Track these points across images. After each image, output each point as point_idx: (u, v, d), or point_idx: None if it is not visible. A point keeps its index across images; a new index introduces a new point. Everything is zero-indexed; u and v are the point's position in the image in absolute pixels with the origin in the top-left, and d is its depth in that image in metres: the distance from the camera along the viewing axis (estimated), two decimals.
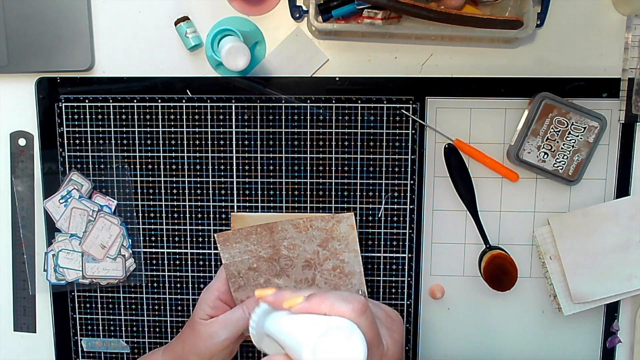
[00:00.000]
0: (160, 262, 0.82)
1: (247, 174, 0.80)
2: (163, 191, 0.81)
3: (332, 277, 0.71)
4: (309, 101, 0.79)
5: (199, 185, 0.81)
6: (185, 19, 0.77)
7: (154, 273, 0.83)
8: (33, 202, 0.83)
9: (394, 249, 0.80)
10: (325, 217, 0.68)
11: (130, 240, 0.82)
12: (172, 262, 0.82)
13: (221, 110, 0.79)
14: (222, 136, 0.80)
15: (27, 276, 0.84)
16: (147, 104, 0.80)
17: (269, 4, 0.77)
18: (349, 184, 0.79)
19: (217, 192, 0.81)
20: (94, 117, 0.80)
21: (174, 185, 0.81)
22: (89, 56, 0.79)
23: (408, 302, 0.82)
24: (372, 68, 0.78)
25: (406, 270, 0.81)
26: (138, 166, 0.81)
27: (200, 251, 0.82)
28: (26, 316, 0.85)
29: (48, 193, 0.81)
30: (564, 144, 0.75)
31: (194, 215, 0.81)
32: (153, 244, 0.82)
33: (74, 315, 0.84)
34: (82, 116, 0.80)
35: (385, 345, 0.54)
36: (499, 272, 0.77)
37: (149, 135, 0.80)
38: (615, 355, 0.81)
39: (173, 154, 0.80)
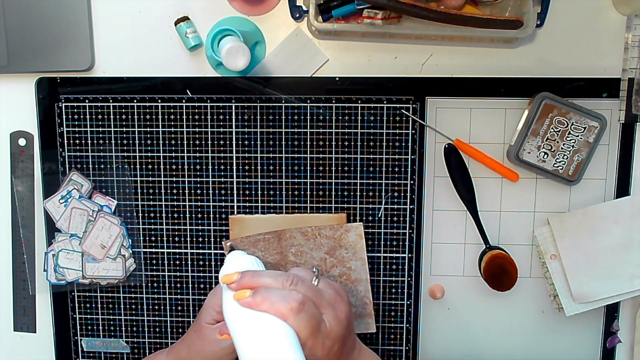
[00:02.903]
0: (160, 262, 0.82)
1: (247, 174, 0.80)
2: (163, 191, 0.81)
3: (338, 283, 0.71)
4: (309, 101, 0.79)
5: (199, 185, 0.81)
6: (185, 19, 0.77)
7: (154, 273, 0.83)
8: (33, 202, 0.83)
9: (394, 249, 0.80)
10: (334, 226, 0.68)
11: (130, 240, 0.82)
12: (172, 262, 0.82)
13: (221, 110, 0.79)
14: (222, 136, 0.80)
15: (27, 276, 0.84)
16: (147, 104, 0.80)
17: (269, 4, 0.77)
18: (349, 184, 0.79)
19: (217, 192, 0.81)
20: (94, 117, 0.80)
21: (174, 185, 0.81)
22: (89, 56, 0.79)
23: (408, 302, 0.82)
24: (372, 68, 0.78)
25: (406, 270, 0.81)
26: (138, 166, 0.81)
27: (200, 251, 0.82)
28: (26, 316, 0.85)
29: (48, 193, 0.81)
30: (564, 144, 0.75)
31: (194, 215, 0.81)
32: (153, 244, 0.82)
33: (74, 315, 0.84)
34: (82, 116, 0.80)
35: (328, 326, 0.58)
36: (499, 272, 0.77)
37: (149, 135, 0.80)
38: (615, 355, 0.81)
39: (173, 154, 0.80)
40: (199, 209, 0.81)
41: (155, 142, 0.80)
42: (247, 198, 0.81)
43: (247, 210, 0.81)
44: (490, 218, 0.80)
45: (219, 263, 0.82)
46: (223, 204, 0.81)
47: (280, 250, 0.70)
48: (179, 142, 0.80)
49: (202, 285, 0.83)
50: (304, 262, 0.70)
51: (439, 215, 0.80)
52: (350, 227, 0.69)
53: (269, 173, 0.80)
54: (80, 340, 0.85)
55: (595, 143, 0.75)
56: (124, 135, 0.80)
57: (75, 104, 0.80)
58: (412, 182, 0.79)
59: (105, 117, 0.80)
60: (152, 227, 0.82)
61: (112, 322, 0.84)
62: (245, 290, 0.57)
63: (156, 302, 0.83)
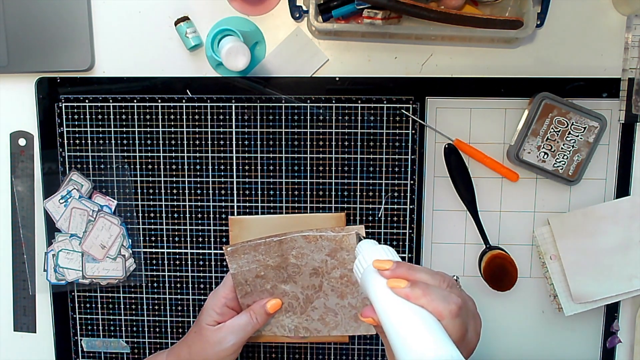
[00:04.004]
0: (160, 262, 0.82)
1: (247, 174, 0.80)
2: (163, 191, 0.81)
3: (339, 285, 0.71)
4: (309, 101, 0.79)
5: (199, 185, 0.81)
6: (185, 19, 0.77)
7: (154, 273, 0.83)
8: (33, 202, 0.83)
9: (394, 249, 0.80)
10: (336, 228, 0.68)
11: (130, 240, 0.82)
12: (172, 262, 0.82)
13: (221, 110, 0.79)
14: (222, 136, 0.80)
15: (27, 276, 0.84)
16: (147, 104, 0.80)
17: (269, 4, 0.77)
18: (349, 184, 0.80)
19: (217, 192, 0.81)
20: (94, 117, 0.80)
21: (174, 185, 0.81)
22: (89, 56, 0.79)
23: None
24: (372, 68, 0.78)
25: None
26: (138, 166, 0.81)
27: (200, 251, 0.82)
28: (26, 316, 0.85)
29: (48, 193, 0.81)
30: (564, 144, 0.75)
31: (194, 215, 0.81)
32: (153, 244, 0.82)
33: (74, 315, 0.84)
34: (82, 116, 0.80)
35: (469, 337, 0.56)
36: (499, 272, 0.77)
37: (149, 135, 0.80)
38: (615, 355, 0.81)
39: (173, 154, 0.80)
40: (199, 209, 0.81)
41: (155, 142, 0.80)
42: (247, 198, 0.81)
43: (247, 210, 0.81)
44: (490, 218, 0.80)
45: (219, 263, 0.82)
46: (223, 204, 0.81)
47: (281, 252, 0.70)
48: (179, 142, 0.80)
49: (202, 285, 0.83)
50: (304, 264, 0.70)
51: (439, 215, 0.80)
52: (351, 229, 0.69)
53: (269, 173, 0.80)
54: (80, 340, 0.85)
55: (595, 143, 0.75)
56: (124, 135, 0.80)
57: (75, 104, 0.80)
58: (412, 182, 0.79)
59: (105, 117, 0.80)
60: (152, 227, 0.82)
61: (112, 322, 0.84)
62: (401, 280, 0.55)
63: (156, 302, 0.83)
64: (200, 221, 0.81)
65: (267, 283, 0.71)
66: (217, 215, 0.81)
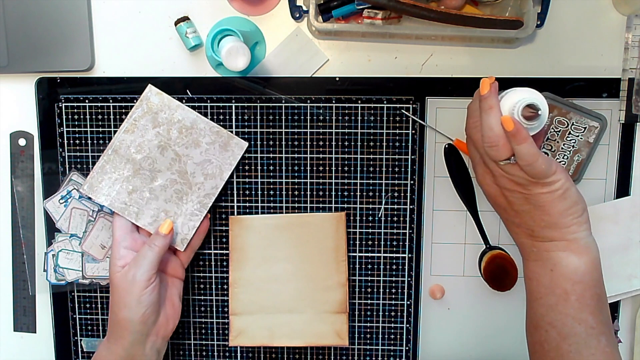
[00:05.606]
0: None
1: (247, 174, 0.80)
2: None
3: (184, 139, 0.72)
4: (309, 101, 0.79)
5: None
6: (185, 19, 0.77)
7: None
8: (33, 202, 0.83)
9: (394, 249, 0.80)
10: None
11: None
12: None
13: (221, 110, 0.79)
14: None
15: (27, 276, 0.84)
16: None
17: (269, 4, 0.77)
18: (349, 184, 0.80)
19: None
20: (94, 117, 0.80)
21: None
22: (89, 56, 0.79)
23: (408, 302, 0.82)
24: (372, 68, 0.78)
25: (406, 270, 0.81)
26: None
27: (200, 251, 0.82)
28: (26, 316, 0.85)
29: (48, 193, 0.81)
30: (564, 144, 0.75)
31: None
32: None
33: (74, 315, 0.84)
34: (82, 116, 0.80)
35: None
36: (499, 272, 0.77)
37: None
38: None
39: None
40: None
41: None
42: (247, 198, 0.81)
43: (247, 210, 0.81)
44: (490, 218, 0.79)
45: (219, 263, 0.82)
46: (223, 204, 0.81)
47: (125, 158, 0.73)
48: None
49: (202, 286, 0.83)
50: (149, 150, 0.72)
51: (439, 215, 0.80)
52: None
53: (269, 173, 0.80)
54: (80, 340, 0.85)
55: (595, 143, 0.75)
56: None
57: (75, 104, 0.80)
58: (412, 182, 0.79)
59: (105, 117, 0.80)
60: None
61: None
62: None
63: None
64: None
65: (143, 192, 0.72)
66: (217, 215, 0.81)
